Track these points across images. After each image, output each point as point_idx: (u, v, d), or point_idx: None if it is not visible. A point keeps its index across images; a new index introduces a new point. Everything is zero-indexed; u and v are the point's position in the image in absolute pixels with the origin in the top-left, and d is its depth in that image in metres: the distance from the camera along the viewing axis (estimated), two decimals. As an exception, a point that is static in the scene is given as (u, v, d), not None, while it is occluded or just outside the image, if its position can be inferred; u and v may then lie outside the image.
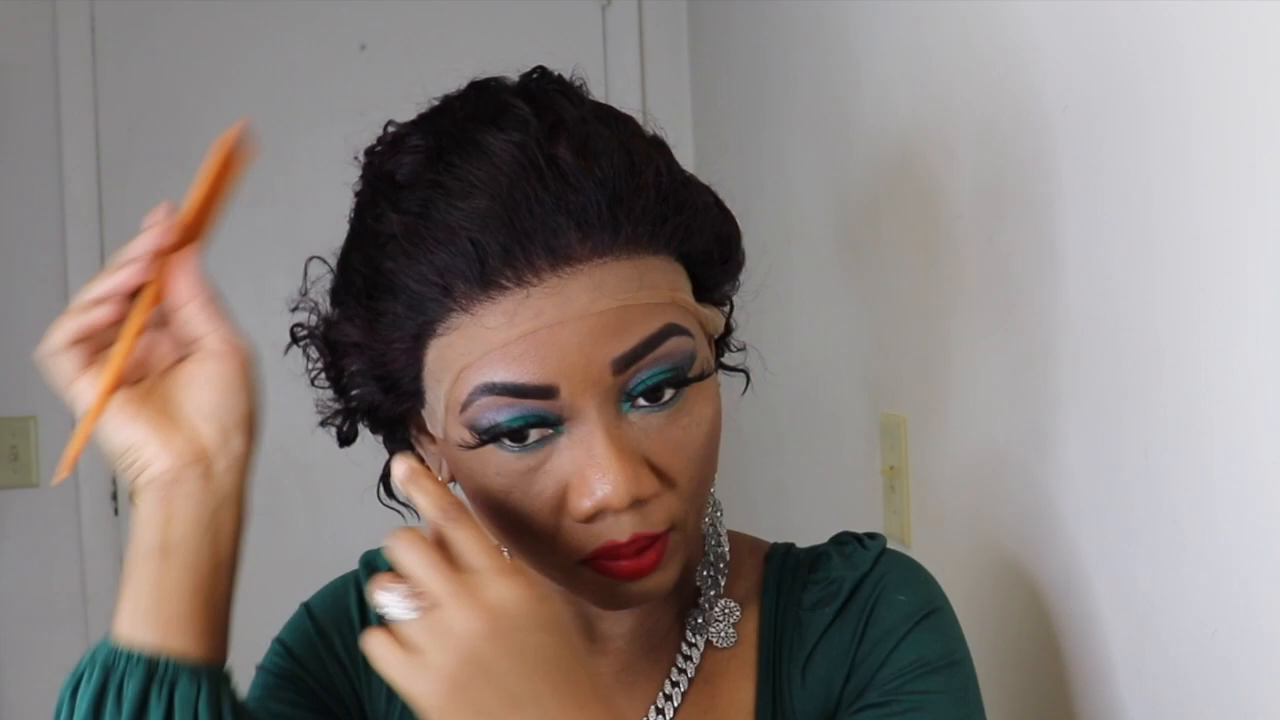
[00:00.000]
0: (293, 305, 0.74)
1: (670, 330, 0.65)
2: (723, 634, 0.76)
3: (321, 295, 0.73)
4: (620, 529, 0.65)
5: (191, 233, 0.67)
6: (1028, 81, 0.93)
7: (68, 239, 2.41)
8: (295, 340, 0.74)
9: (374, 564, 0.84)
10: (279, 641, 0.81)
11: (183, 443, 0.65)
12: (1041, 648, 0.95)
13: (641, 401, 0.65)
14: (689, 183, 0.71)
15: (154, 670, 0.63)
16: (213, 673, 0.65)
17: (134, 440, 0.65)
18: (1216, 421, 0.72)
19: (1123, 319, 0.82)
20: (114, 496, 2.45)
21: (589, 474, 0.64)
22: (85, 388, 0.66)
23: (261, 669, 0.80)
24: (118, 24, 2.43)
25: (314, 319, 0.73)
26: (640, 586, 0.68)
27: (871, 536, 0.81)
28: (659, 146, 0.71)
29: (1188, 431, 0.75)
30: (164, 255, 0.66)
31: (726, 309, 0.76)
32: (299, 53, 2.45)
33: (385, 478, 0.76)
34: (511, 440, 0.65)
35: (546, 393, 0.63)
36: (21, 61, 2.40)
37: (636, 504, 0.65)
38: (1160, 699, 0.81)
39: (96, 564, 2.43)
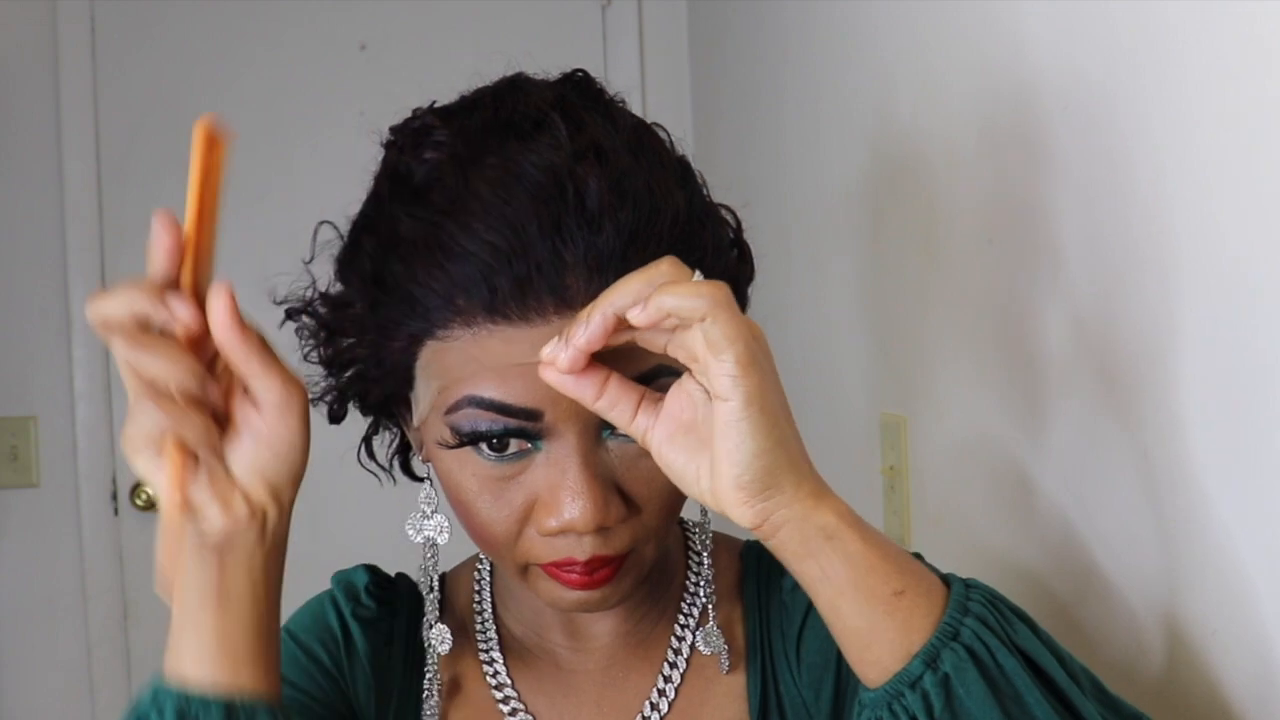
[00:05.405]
0: (295, 278, 0.74)
1: (660, 371, 0.64)
2: (702, 642, 0.77)
3: (326, 262, 0.72)
4: (581, 549, 0.67)
5: (202, 244, 0.60)
6: (1028, 81, 0.93)
7: (68, 239, 2.42)
8: (290, 315, 0.73)
9: (351, 583, 0.83)
10: None
11: (239, 504, 0.62)
12: (1041, 648, 0.95)
13: (622, 431, 0.65)
14: (707, 218, 0.70)
15: (232, 710, 0.62)
16: (283, 708, 0.65)
17: (190, 501, 0.62)
18: (1217, 420, 0.72)
19: (1122, 318, 0.82)
20: (114, 496, 2.45)
21: (560, 495, 0.66)
22: (159, 478, 0.60)
23: None
24: (118, 24, 2.43)
25: (312, 292, 0.73)
26: (588, 597, 0.69)
27: None
28: (683, 173, 0.71)
29: (1187, 430, 0.75)
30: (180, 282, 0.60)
31: None
32: (299, 53, 2.45)
33: (366, 442, 0.78)
34: (490, 448, 0.66)
35: (532, 415, 0.65)
36: (21, 61, 2.41)
37: (600, 529, 0.66)
38: (1162, 694, 0.81)
39: (96, 564, 2.43)
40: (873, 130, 1.31)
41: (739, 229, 0.75)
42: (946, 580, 0.63)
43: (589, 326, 0.59)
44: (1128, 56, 0.78)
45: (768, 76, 1.78)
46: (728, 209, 0.75)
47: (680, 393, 0.62)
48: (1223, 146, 0.69)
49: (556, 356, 0.60)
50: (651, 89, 2.47)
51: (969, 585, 0.62)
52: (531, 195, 0.63)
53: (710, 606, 0.77)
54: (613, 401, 0.61)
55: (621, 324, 0.59)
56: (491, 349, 0.64)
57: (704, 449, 0.60)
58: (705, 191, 0.74)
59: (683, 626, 0.78)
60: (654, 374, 0.64)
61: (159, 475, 0.59)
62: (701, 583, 0.79)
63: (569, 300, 0.63)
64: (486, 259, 0.63)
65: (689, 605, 0.79)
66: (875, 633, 0.60)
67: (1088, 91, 0.84)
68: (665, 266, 0.59)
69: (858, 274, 1.42)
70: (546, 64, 0.74)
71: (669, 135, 0.73)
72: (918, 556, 0.80)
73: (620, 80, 2.43)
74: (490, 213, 0.63)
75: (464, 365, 0.65)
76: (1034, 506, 0.97)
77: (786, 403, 0.61)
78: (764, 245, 0.83)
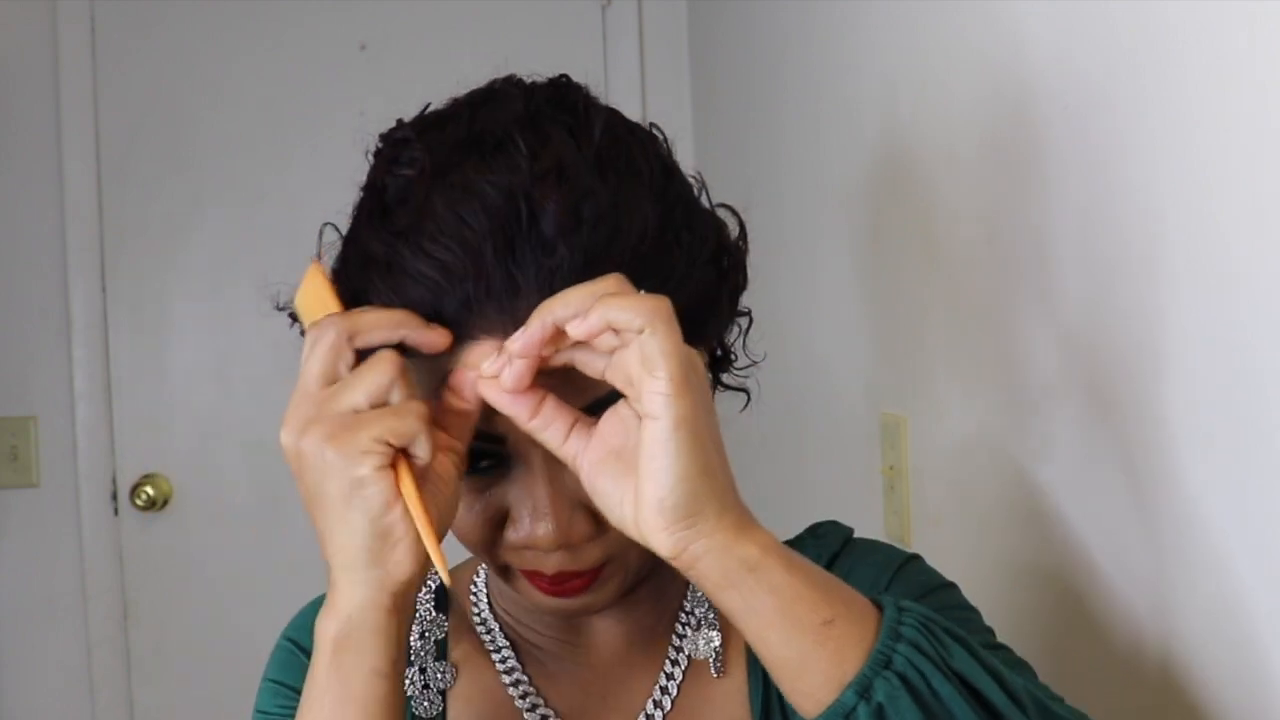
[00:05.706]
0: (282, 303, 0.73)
1: (600, 405, 0.63)
2: (702, 641, 0.77)
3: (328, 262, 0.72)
4: (547, 563, 0.67)
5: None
6: (1028, 81, 0.93)
7: (68, 239, 2.42)
8: (295, 319, 0.74)
9: None
10: (275, 682, 0.78)
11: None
12: (1043, 646, 0.95)
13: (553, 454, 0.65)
14: (685, 231, 0.68)
15: None
16: None
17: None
18: (1215, 420, 0.72)
19: (1120, 319, 0.82)
20: (114, 496, 2.45)
21: (524, 513, 0.66)
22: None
23: (265, 713, 0.78)
24: (118, 24, 2.43)
25: None
26: (567, 604, 0.70)
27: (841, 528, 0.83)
28: (663, 186, 0.68)
29: (1185, 429, 0.75)
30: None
31: (734, 330, 0.75)
32: (299, 53, 2.45)
33: None
34: None
35: (494, 439, 0.65)
36: (21, 61, 2.41)
37: (566, 546, 0.66)
38: (1163, 691, 0.81)
39: (96, 564, 2.43)
40: (873, 130, 1.31)
41: (742, 232, 0.74)
42: (879, 604, 0.62)
43: (526, 332, 0.59)
44: (1128, 56, 0.78)
45: (768, 77, 1.78)
46: (731, 210, 0.74)
47: (614, 417, 0.61)
48: (1222, 147, 0.69)
49: (499, 371, 0.60)
50: (651, 89, 2.47)
51: (901, 609, 0.61)
52: (488, 216, 0.62)
53: (709, 607, 0.77)
54: (546, 422, 0.61)
55: (560, 336, 0.59)
56: (448, 367, 0.64)
57: (630, 475, 0.60)
58: (704, 195, 0.73)
59: (684, 625, 0.78)
60: (594, 408, 0.63)
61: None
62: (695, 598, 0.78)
63: (519, 316, 0.62)
64: (438, 280, 0.62)
65: (690, 605, 0.79)
66: (806, 663, 0.59)
67: (1088, 92, 0.84)
68: (610, 282, 0.59)
69: (857, 274, 1.42)
70: (546, 64, 0.73)
71: (664, 137, 0.72)
72: (916, 557, 0.80)
73: (620, 80, 2.43)
74: (445, 233, 0.63)
75: (425, 384, 0.65)
76: (1033, 506, 0.97)
77: (718, 435, 0.61)
78: (763, 246, 0.83)
